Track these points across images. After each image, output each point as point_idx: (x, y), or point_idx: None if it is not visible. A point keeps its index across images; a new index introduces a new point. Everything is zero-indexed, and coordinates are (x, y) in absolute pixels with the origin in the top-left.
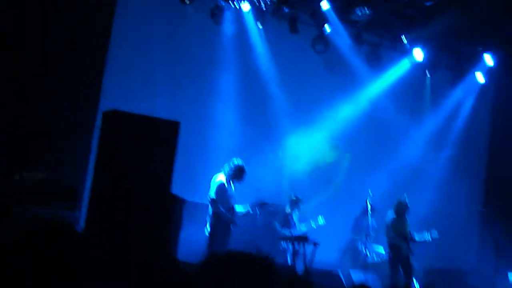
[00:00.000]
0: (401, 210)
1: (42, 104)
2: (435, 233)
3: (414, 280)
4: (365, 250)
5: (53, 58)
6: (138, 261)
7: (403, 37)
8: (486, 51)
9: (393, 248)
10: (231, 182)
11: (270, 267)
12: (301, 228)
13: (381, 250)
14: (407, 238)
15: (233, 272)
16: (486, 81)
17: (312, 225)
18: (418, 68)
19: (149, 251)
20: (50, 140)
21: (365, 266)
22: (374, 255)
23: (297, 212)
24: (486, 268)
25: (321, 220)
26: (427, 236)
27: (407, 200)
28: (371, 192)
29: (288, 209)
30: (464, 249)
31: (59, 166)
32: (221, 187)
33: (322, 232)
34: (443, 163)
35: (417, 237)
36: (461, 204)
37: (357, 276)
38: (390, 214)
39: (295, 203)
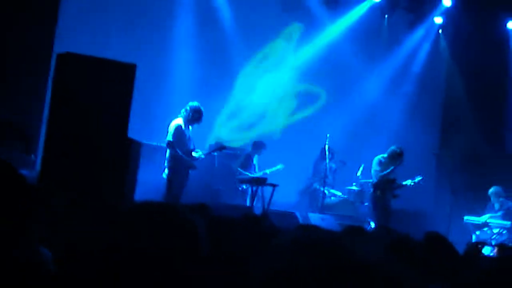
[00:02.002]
0: (394, 156)
1: None
2: (418, 178)
3: (370, 221)
4: (323, 192)
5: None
6: (95, 205)
7: None
8: None
9: (374, 189)
10: (188, 125)
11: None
12: (260, 172)
13: (337, 192)
14: (392, 183)
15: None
16: (443, 22)
17: (268, 171)
18: (376, 10)
19: (106, 194)
20: (5, 84)
21: (322, 208)
22: (332, 197)
23: (257, 156)
24: (442, 211)
25: (279, 166)
26: (410, 181)
27: (403, 150)
28: (329, 135)
29: (249, 152)
30: (420, 192)
31: (14, 109)
32: (179, 129)
33: (281, 175)
34: (400, 105)
35: (405, 182)
36: (418, 147)
37: (314, 217)
38: (380, 157)
39: (257, 147)
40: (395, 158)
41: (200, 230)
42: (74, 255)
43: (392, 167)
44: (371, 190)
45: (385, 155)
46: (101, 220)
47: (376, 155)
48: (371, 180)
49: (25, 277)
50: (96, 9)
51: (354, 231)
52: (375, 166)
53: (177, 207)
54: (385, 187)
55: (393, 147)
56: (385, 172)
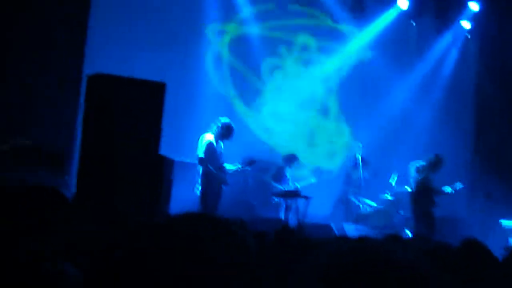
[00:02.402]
0: (433, 165)
1: (25, 70)
2: (459, 185)
3: (406, 230)
4: (357, 202)
5: (34, 23)
6: (131, 223)
7: None
8: None
9: (412, 198)
10: (219, 141)
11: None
12: (294, 185)
13: (372, 202)
14: (433, 191)
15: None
16: (472, 27)
17: (305, 183)
18: (403, 17)
19: (141, 213)
20: (35, 107)
21: (357, 218)
22: (367, 207)
23: (289, 170)
24: (475, 216)
25: (312, 179)
26: (450, 189)
27: (441, 157)
28: (361, 144)
29: (282, 165)
30: (453, 198)
31: (45, 132)
32: (209, 146)
33: (315, 187)
34: (431, 112)
35: (445, 189)
36: (450, 153)
37: (350, 228)
38: (418, 166)
39: (288, 161)
40: (435, 165)
41: (251, 245)
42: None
43: (431, 174)
44: (411, 198)
45: (423, 163)
46: (137, 235)
47: (409, 163)
48: (407, 188)
49: None
50: (124, 28)
51: (394, 239)
52: (413, 174)
53: (228, 220)
54: (426, 195)
55: (432, 155)
56: (422, 179)
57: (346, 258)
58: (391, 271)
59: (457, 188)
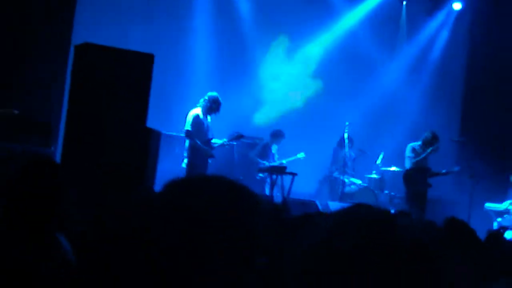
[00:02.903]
0: (429, 142)
1: (12, 39)
2: (456, 167)
3: (390, 209)
4: (343, 180)
5: None
6: (115, 195)
7: None
8: None
9: (406, 178)
10: (207, 115)
11: (245, 191)
12: (280, 160)
13: (357, 181)
14: (427, 171)
15: (203, 193)
16: (462, 7)
17: (292, 159)
18: None
19: (126, 184)
20: (22, 77)
21: (342, 196)
22: (352, 185)
23: (276, 146)
24: (462, 198)
25: (301, 154)
26: (445, 170)
27: (437, 135)
28: (348, 123)
29: (268, 141)
30: (440, 179)
31: (32, 103)
32: (196, 119)
33: (301, 163)
34: (420, 93)
35: (440, 170)
36: (438, 134)
37: (334, 206)
38: (414, 144)
39: (275, 136)
40: (431, 143)
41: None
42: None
43: (428, 151)
44: (404, 178)
45: (419, 142)
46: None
47: (407, 143)
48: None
49: (45, 266)
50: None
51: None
52: (408, 153)
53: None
54: (420, 175)
55: (426, 133)
56: (419, 158)
57: (349, 229)
58: (399, 243)
59: (454, 170)
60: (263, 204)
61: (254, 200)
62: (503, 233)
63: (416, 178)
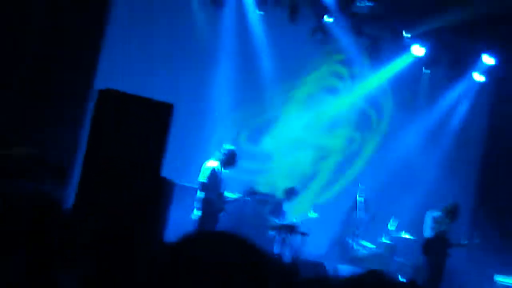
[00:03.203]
0: (451, 213)
1: (35, 79)
2: (476, 240)
3: (399, 277)
4: (354, 244)
5: (46, 35)
6: (124, 242)
7: (403, 31)
8: (486, 49)
9: (426, 248)
10: (222, 168)
11: (252, 250)
12: (292, 219)
13: (370, 245)
14: (446, 242)
15: (210, 251)
16: (486, 80)
17: (304, 218)
18: (416, 64)
19: (137, 233)
20: (41, 117)
21: (352, 259)
22: (363, 249)
23: (288, 203)
24: (474, 269)
25: (312, 214)
26: (467, 242)
27: (458, 208)
28: (362, 185)
29: (281, 199)
30: (454, 248)
31: (49, 143)
32: (212, 172)
33: (313, 224)
34: (437, 161)
35: (462, 241)
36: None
37: (344, 269)
38: (435, 213)
39: (289, 194)
40: (452, 213)
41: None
42: None
43: (448, 225)
44: (425, 248)
45: (439, 213)
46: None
47: (427, 211)
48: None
49: None
50: (137, 47)
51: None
52: (429, 223)
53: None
54: (441, 246)
55: (449, 204)
56: (439, 230)
57: None
58: None
59: (475, 242)
60: (273, 264)
61: (266, 260)
62: None
63: (436, 248)
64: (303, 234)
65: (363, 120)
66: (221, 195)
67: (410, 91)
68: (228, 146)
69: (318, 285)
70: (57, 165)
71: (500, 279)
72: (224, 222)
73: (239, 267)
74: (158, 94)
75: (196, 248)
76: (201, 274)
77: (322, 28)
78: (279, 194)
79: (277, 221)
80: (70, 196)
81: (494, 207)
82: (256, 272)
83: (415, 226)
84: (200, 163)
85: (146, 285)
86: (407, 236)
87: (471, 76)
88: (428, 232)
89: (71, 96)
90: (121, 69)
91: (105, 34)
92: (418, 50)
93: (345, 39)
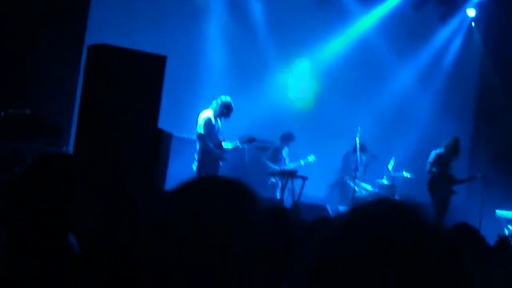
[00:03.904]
0: (453, 149)
1: (25, 40)
2: (479, 174)
3: None
4: (354, 186)
5: None
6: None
7: None
8: None
9: (432, 185)
10: (218, 118)
11: (249, 193)
12: (291, 164)
13: (368, 186)
14: (451, 178)
15: (211, 195)
16: (476, 14)
17: (302, 163)
18: (408, 2)
19: (136, 185)
20: (34, 76)
21: (353, 201)
22: (363, 191)
23: (286, 149)
24: (474, 205)
25: (311, 157)
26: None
27: (459, 141)
28: (360, 128)
29: (279, 144)
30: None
31: (45, 103)
32: (208, 122)
33: (312, 168)
34: (432, 99)
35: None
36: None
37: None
38: (438, 150)
39: (286, 139)
40: (455, 149)
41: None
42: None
43: (451, 161)
44: (430, 185)
45: (442, 149)
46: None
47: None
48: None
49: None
50: (127, 1)
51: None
52: (433, 160)
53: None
54: (445, 182)
55: (450, 139)
56: (443, 166)
57: (371, 222)
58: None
59: (478, 176)
60: (261, 204)
61: (252, 200)
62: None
63: (442, 185)
64: (302, 178)
65: (357, 64)
66: (219, 144)
67: (402, 30)
68: (224, 97)
69: (321, 225)
70: (53, 124)
71: (501, 212)
72: (224, 171)
73: (235, 211)
74: (149, 47)
75: (193, 193)
76: (198, 219)
77: None
78: (277, 140)
79: (276, 167)
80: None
81: (492, 142)
82: (243, 210)
83: (414, 165)
84: (196, 115)
85: (148, 233)
86: (406, 174)
87: (462, 11)
88: (432, 169)
89: (63, 53)
90: (111, 24)
91: None
92: None
93: None
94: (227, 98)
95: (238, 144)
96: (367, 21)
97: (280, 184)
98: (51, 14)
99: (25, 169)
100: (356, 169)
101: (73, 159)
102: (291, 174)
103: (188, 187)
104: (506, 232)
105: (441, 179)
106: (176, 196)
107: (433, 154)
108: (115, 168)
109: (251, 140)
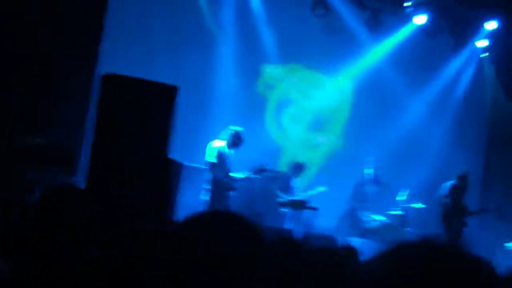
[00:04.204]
0: (466, 180)
1: (39, 68)
2: (491, 206)
3: None
4: (364, 217)
5: (49, 20)
6: (132, 226)
7: (404, 1)
8: (489, 16)
9: (446, 217)
10: (227, 148)
11: (256, 228)
12: (301, 194)
13: (379, 217)
14: (464, 210)
15: (217, 230)
16: (489, 45)
17: (314, 192)
18: (419, 34)
19: (146, 215)
20: (48, 105)
21: (363, 232)
22: (373, 222)
23: (297, 179)
24: (486, 237)
25: (322, 188)
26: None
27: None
28: (370, 157)
29: (289, 174)
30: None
31: (57, 131)
32: (220, 152)
33: (322, 199)
34: (444, 130)
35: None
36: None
37: (355, 242)
38: (451, 182)
39: (296, 169)
40: (465, 183)
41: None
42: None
43: (463, 194)
44: (444, 218)
45: (455, 181)
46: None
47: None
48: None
49: None
50: (139, 31)
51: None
52: (446, 192)
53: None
54: (458, 215)
55: (461, 172)
56: (455, 199)
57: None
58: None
59: (490, 207)
60: (267, 236)
61: (257, 234)
62: None
63: (456, 216)
64: (312, 208)
65: (368, 94)
66: (229, 174)
67: (414, 61)
68: (236, 128)
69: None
70: (64, 154)
71: (510, 245)
72: (234, 201)
73: (238, 247)
74: (161, 77)
75: (199, 228)
76: (203, 253)
77: (322, 2)
78: (286, 170)
79: (286, 197)
80: (79, 182)
81: (503, 174)
82: (252, 251)
83: (425, 196)
84: (206, 144)
85: (155, 264)
86: (419, 206)
87: (473, 44)
88: (447, 201)
89: (75, 82)
90: (123, 54)
91: (106, 18)
92: (419, 19)
93: (345, 13)
94: (240, 129)
95: (249, 174)
96: (378, 52)
97: (290, 214)
98: (64, 43)
99: (34, 202)
100: (367, 199)
101: (81, 193)
102: (301, 205)
103: (198, 221)
104: None
105: (455, 211)
106: (185, 231)
107: (446, 185)
108: (126, 198)
109: (262, 170)
